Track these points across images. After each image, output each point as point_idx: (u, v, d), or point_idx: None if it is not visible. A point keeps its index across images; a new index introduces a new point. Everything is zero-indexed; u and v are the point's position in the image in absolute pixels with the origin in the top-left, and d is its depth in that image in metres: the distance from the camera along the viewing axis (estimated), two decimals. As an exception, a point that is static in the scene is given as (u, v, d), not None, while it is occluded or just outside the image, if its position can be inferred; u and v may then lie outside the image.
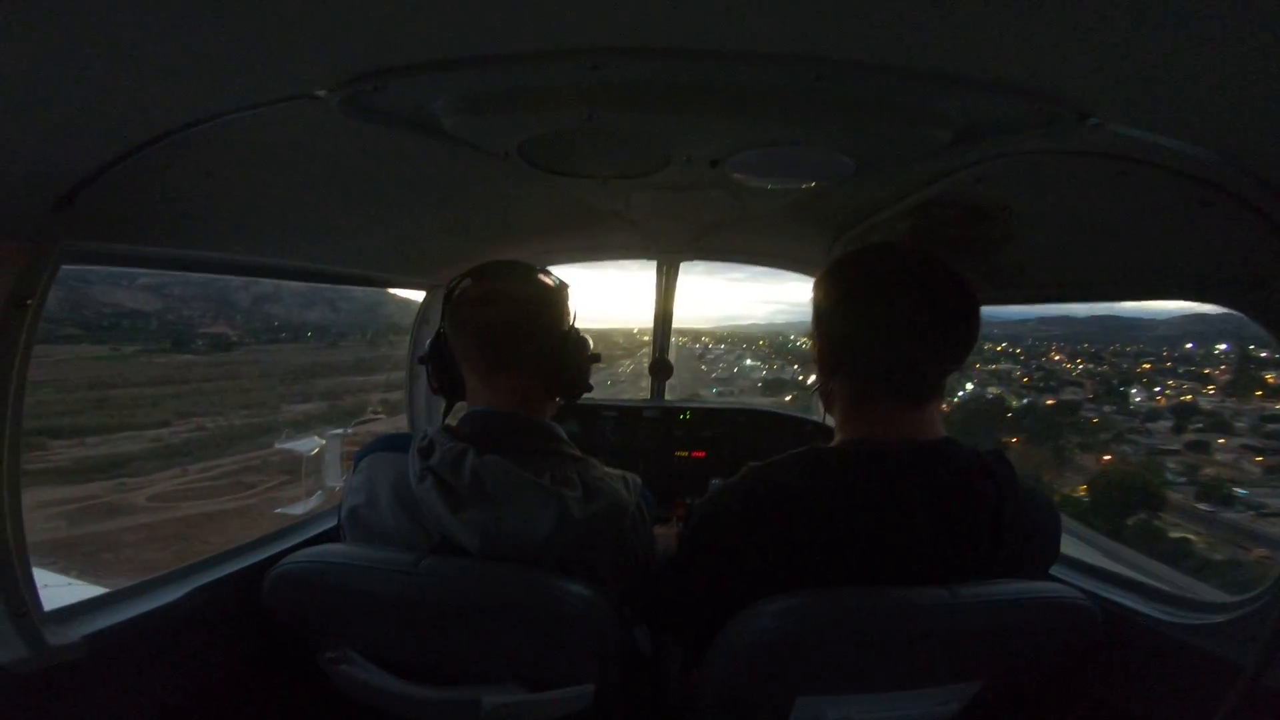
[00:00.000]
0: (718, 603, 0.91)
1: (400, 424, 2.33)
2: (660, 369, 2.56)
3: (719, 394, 9.81)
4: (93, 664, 1.00)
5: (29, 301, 0.88)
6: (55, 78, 0.64)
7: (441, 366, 1.18)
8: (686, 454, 2.38)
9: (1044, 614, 0.90)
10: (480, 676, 0.98)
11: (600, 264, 2.42)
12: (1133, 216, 1.12)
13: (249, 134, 0.87)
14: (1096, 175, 1.00)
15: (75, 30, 0.57)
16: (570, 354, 1.14)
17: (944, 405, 1.01)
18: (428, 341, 1.21)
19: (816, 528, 0.89)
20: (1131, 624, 1.19)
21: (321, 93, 0.76)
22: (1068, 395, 6.39)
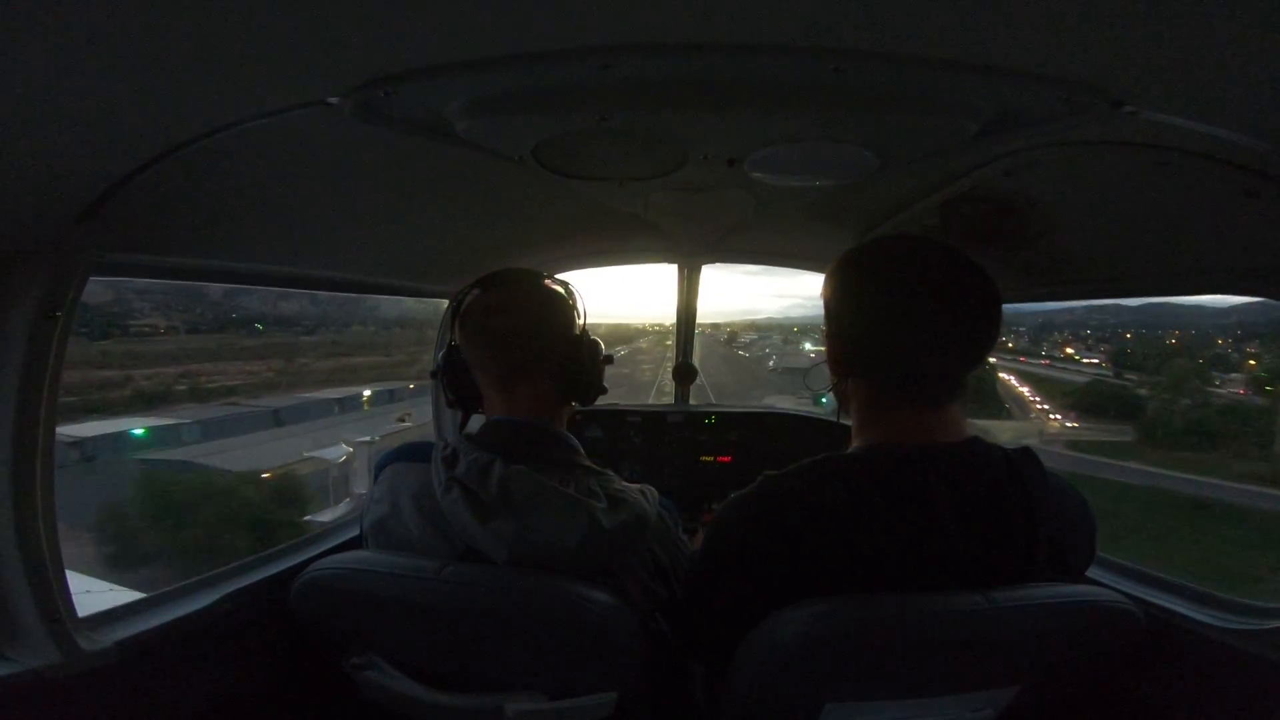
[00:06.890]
0: (735, 617, 0.88)
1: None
2: (684, 373, 2.53)
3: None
4: (123, 669, 1.01)
5: (58, 313, 0.90)
6: (73, 89, 0.64)
7: (456, 379, 1.18)
8: (712, 459, 2.35)
9: (1084, 618, 0.86)
10: (503, 683, 0.97)
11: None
12: (1173, 208, 1.07)
13: (264, 142, 0.87)
14: (1133, 165, 0.96)
15: (91, 41, 0.57)
16: (584, 358, 1.14)
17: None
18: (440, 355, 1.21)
19: (837, 537, 0.86)
20: (1175, 627, 1.14)
21: (334, 99, 0.76)
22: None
